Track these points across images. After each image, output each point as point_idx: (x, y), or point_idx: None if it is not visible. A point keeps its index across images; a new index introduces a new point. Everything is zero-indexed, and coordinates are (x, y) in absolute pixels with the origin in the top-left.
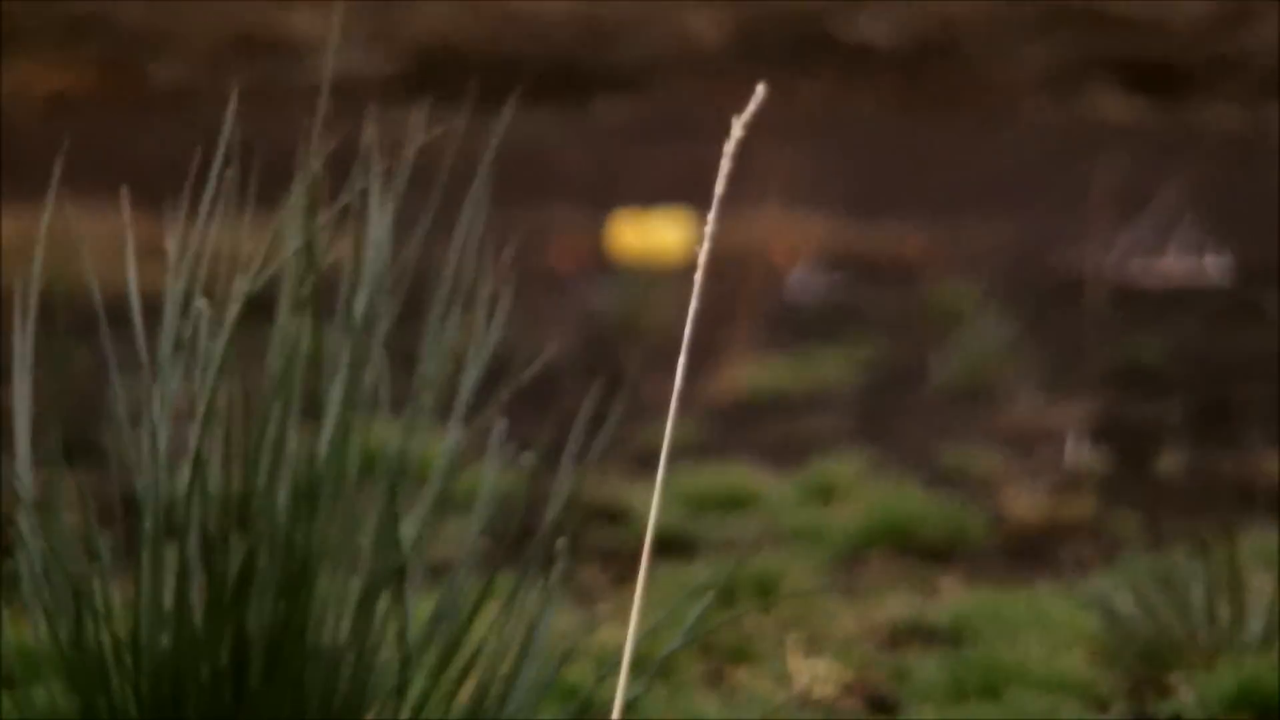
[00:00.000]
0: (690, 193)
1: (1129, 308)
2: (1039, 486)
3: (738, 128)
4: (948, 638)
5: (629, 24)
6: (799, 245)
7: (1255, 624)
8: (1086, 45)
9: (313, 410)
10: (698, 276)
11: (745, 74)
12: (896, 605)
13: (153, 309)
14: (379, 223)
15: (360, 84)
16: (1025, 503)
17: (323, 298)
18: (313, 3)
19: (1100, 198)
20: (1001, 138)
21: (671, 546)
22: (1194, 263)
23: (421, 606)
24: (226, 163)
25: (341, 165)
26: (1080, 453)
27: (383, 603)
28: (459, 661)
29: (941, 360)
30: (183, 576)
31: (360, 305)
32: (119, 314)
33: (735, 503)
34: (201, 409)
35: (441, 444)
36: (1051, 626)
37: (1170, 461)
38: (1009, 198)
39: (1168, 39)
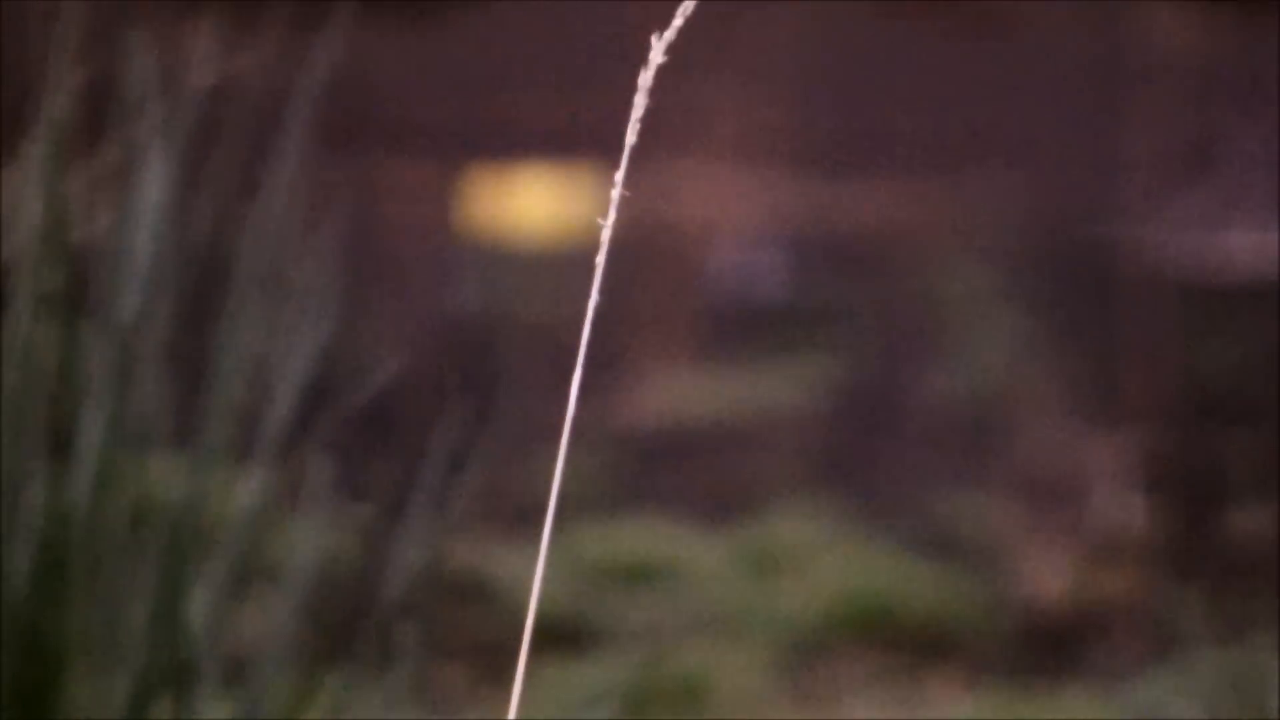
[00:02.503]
0: (586, 143)
1: (1187, 303)
2: (1067, 554)
3: (658, 50)
4: None
5: None
6: (740, 216)
7: None
8: None
9: (63, 444)
10: (600, 259)
11: None
12: (871, 716)
13: None
14: (155, 183)
15: None
16: (1048, 576)
17: (77, 288)
18: None
19: (1147, 148)
20: (1015, 64)
21: (560, 635)
22: (1272, 240)
23: (214, 716)
24: None
25: (102, 102)
26: (1123, 507)
27: (160, 711)
28: None
29: (934, 377)
30: None
31: (129, 299)
32: None
33: (648, 575)
34: None
35: (243, 491)
36: None
37: (1245, 519)
38: (1026, 148)
39: None
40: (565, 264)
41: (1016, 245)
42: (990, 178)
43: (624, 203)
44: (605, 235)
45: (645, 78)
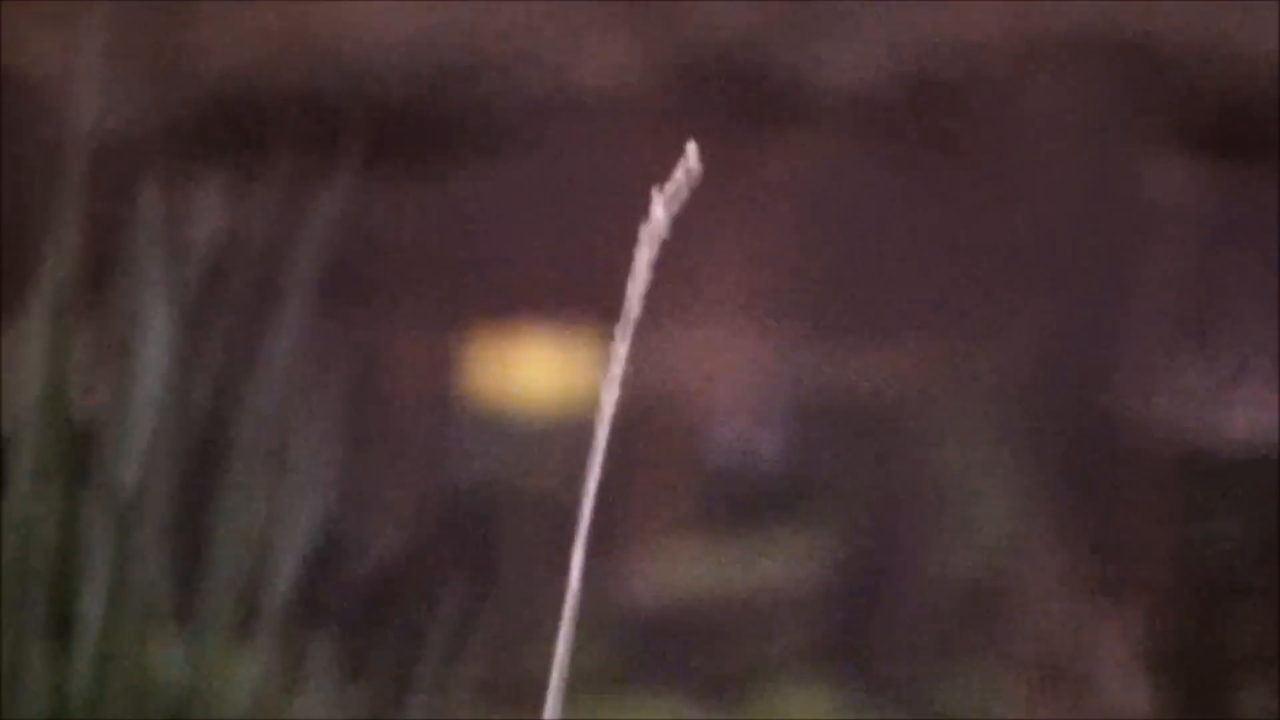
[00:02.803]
0: (586, 306)
1: (1189, 475)
2: None
3: (660, 206)
4: None
5: (498, 62)
6: (740, 382)
7: None
8: (1133, 89)
9: (61, 624)
10: (601, 427)
11: (661, 129)
12: None
13: None
14: (156, 346)
15: (129, 139)
16: None
17: (77, 457)
18: (57, 22)
19: (1149, 314)
20: (1016, 221)
21: None
22: (1274, 411)
23: None
24: None
25: (101, 259)
26: (1126, 686)
27: None
28: None
29: (936, 549)
30: None
31: (130, 470)
32: None
33: None
34: None
35: (243, 670)
36: None
37: (1250, 699)
38: (1028, 314)
39: (1246, 81)
40: (565, 431)
41: (1018, 414)
42: (992, 345)
43: (625, 368)
44: (607, 402)
45: (646, 234)
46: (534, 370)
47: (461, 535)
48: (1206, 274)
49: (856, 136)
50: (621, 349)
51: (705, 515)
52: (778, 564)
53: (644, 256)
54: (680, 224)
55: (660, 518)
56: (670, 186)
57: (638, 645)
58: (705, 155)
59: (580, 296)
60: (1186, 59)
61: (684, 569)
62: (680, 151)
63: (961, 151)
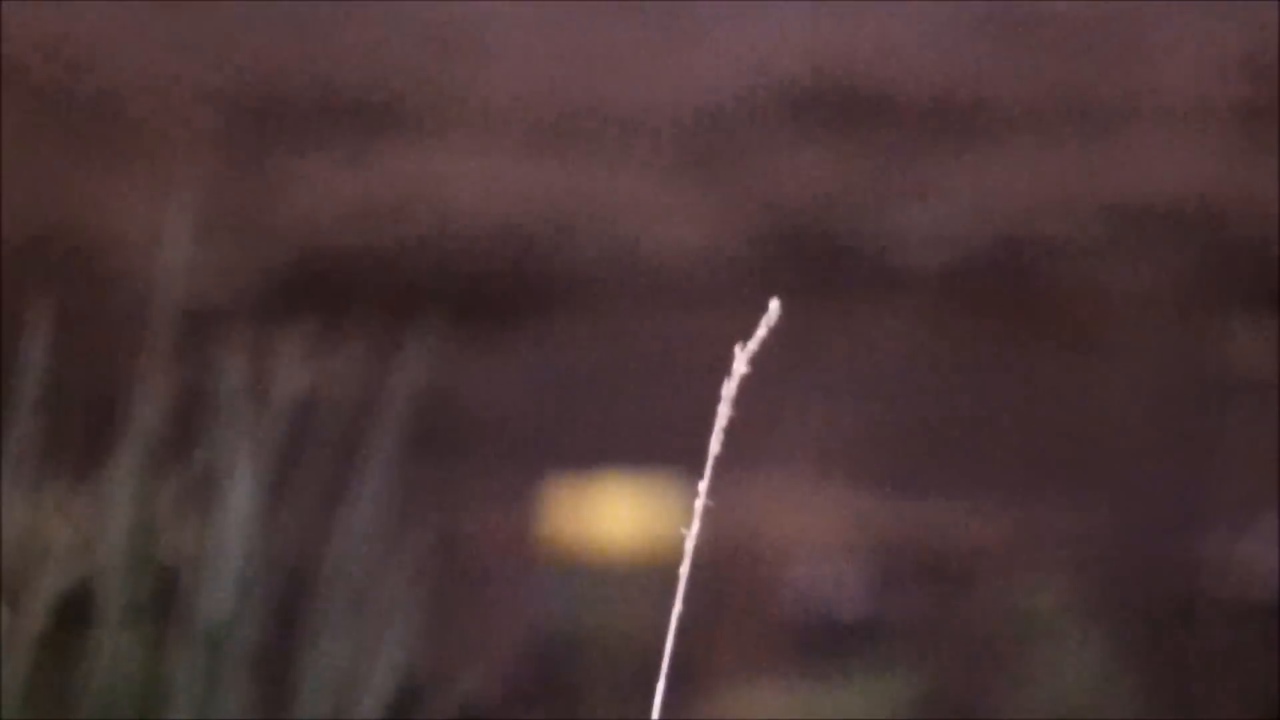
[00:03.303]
0: (667, 452)
1: (1270, 623)
2: None
3: (741, 360)
4: None
5: (578, 223)
6: (820, 529)
7: None
8: (1211, 259)
9: None
10: (683, 573)
11: (735, 298)
12: None
13: None
14: (242, 494)
15: (214, 301)
16: None
17: (162, 602)
18: (148, 188)
19: (1231, 467)
20: (1098, 385)
21: None
22: None
23: None
24: (28, 409)
25: (188, 412)
26: None
27: None
28: None
29: (1016, 695)
30: None
31: (215, 613)
32: None
33: None
34: None
35: None
36: None
37: None
38: (1108, 465)
39: None
40: (647, 575)
41: (1099, 562)
42: (1072, 494)
43: (706, 513)
44: (688, 546)
45: (728, 388)
46: (615, 514)
47: (543, 679)
48: None
49: (937, 300)
50: (703, 494)
51: (785, 659)
52: (857, 708)
53: (724, 412)
54: (766, 376)
55: (741, 662)
56: (751, 344)
57: None
58: (784, 313)
59: (661, 444)
60: (1266, 226)
61: (765, 712)
62: (756, 310)
63: (1040, 315)
